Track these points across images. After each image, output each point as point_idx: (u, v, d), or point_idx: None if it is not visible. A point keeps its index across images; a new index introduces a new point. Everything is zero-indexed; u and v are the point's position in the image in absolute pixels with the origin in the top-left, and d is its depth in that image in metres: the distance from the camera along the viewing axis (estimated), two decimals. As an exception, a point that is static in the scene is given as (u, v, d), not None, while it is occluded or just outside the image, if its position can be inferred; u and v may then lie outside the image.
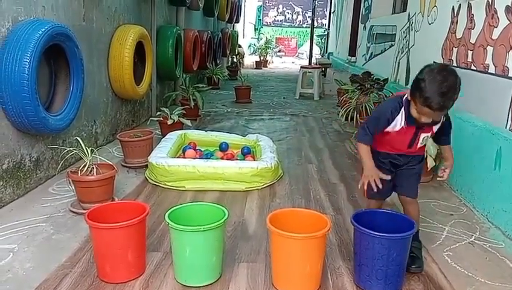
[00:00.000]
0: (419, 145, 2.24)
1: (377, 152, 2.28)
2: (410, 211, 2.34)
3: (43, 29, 2.87)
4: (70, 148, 2.96)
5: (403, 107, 2.12)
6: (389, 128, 2.17)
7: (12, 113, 2.79)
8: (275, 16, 24.37)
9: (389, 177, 2.23)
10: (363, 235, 2.01)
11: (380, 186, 2.16)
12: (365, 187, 2.20)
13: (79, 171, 2.79)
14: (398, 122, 2.15)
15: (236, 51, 12.49)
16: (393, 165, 2.31)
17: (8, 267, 2.16)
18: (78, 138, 3.02)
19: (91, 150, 2.88)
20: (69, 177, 2.79)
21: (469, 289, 2.13)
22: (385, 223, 2.15)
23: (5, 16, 2.78)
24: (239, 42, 13.54)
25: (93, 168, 2.82)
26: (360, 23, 9.20)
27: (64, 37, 3.16)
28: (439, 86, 1.90)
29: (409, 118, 2.11)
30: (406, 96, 2.11)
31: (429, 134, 2.21)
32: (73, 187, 2.82)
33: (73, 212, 2.78)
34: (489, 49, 3.19)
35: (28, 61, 2.74)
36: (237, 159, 3.73)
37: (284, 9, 24.28)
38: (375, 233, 1.96)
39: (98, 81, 4.20)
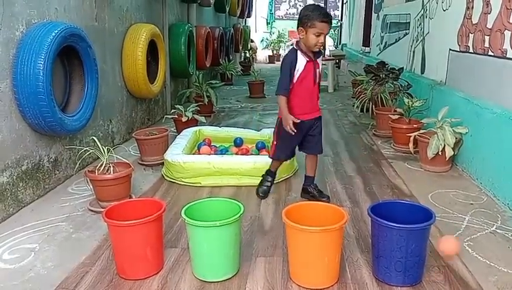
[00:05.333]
0: (317, 80, 2.83)
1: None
2: (314, 162, 3.03)
3: (56, 31, 2.90)
4: (87, 148, 3.00)
5: (297, 51, 2.75)
6: (297, 74, 2.73)
7: (29, 115, 2.84)
8: (287, 9, 24.18)
9: (298, 121, 2.71)
10: (381, 227, 1.99)
11: (295, 131, 2.69)
12: (289, 128, 2.68)
13: (96, 171, 2.82)
14: (300, 61, 2.73)
15: (249, 46, 12.46)
16: (301, 131, 2.83)
17: (30, 266, 2.20)
18: (94, 138, 3.06)
19: (107, 149, 2.91)
20: (87, 176, 2.82)
21: (491, 279, 2.09)
22: (403, 214, 2.12)
23: (19, 19, 2.82)
24: (251, 37, 13.50)
25: (110, 167, 2.85)
26: (373, 13, 9.07)
27: (77, 38, 3.20)
28: (318, 6, 2.82)
29: (305, 54, 2.74)
30: (293, 44, 2.82)
31: (320, 69, 2.85)
32: (91, 186, 2.86)
33: (92, 211, 2.82)
34: (507, 33, 3.11)
35: (42, 63, 2.78)
36: (252, 154, 3.72)
37: (296, 1, 24.08)
38: (393, 224, 1.94)
39: (112, 80, 4.24)
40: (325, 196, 3.00)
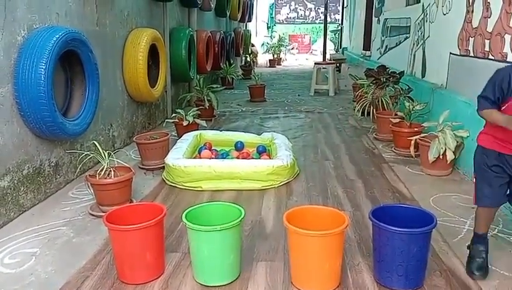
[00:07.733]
0: None
1: (484, 152, 2.14)
2: None
3: (58, 36, 2.91)
4: (88, 152, 3.00)
5: None
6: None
7: (30, 120, 2.84)
8: (288, 13, 24.26)
9: None
10: (382, 231, 1.98)
11: None
12: None
13: (97, 175, 2.82)
14: None
15: (250, 50, 12.49)
16: (506, 169, 2.07)
17: (31, 270, 2.20)
18: (95, 142, 3.06)
19: (108, 153, 2.92)
20: (88, 180, 2.82)
21: (493, 283, 2.08)
22: (404, 218, 2.11)
23: (21, 24, 2.83)
24: (252, 41, 13.54)
25: (110, 171, 2.85)
26: (373, 17, 9.09)
27: (78, 42, 3.21)
28: None
29: None
30: None
31: None
32: (92, 191, 2.86)
33: (93, 215, 2.81)
34: (507, 37, 3.11)
35: (43, 68, 2.79)
36: (253, 158, 3.72)
37: (296, 6, 24.16)
38: (394, 228, 1.93)
39: (113, 85, 4.24)
40: None
